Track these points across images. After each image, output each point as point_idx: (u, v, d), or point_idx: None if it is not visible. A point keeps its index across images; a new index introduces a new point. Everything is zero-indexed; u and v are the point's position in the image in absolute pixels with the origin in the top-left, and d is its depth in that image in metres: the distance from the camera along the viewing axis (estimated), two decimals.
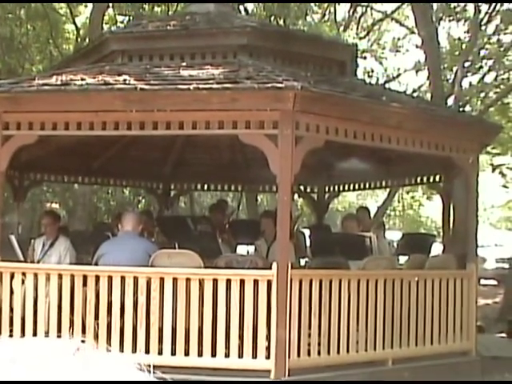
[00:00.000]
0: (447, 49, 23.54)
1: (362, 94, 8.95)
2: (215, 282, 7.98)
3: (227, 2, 12.22)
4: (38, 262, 9.76)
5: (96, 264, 8.61)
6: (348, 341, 8.48)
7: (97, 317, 8.09)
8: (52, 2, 23.56)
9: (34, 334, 8.10)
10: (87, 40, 21.19)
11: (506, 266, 22.84)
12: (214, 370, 7.88)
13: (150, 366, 1.55)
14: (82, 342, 1.49)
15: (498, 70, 23.01)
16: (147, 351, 7.95)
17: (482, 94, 23.63)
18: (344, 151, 11.47)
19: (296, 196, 15.72)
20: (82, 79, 8.48)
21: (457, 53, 22.44)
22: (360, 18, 28.59)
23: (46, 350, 1.44)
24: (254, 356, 7.89)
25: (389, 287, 8.87)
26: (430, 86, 20.30)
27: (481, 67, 23.19)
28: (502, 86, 22.74)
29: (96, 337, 7.91)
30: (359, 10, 28.04)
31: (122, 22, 24.28)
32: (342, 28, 27.73)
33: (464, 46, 22.17)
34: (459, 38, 23.41)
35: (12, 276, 8.33)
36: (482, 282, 21.07)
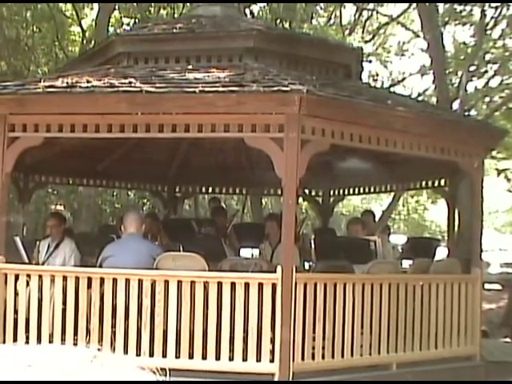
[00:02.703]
0: (452, 53, 23.52)
1: (367, 98, 8.95)
2: (220, 285, 7.98)
3: (233, 2, 12.22)
4: (43, 263, 9.77)
5: (100, 266, 8.61)
6: (352, 345, 8.48)
7: (101, 319, 8.09)
8: (58, 2, 23.58)
9: (39, 336, 8.11)
10: (93, 42, 21.19)
11: (511, 270, 22.89)
12: (218, 373, 7.88)
13: (166, 371, 1.55)
14: (99, 349, 1.49)
15: (503, 75, 22.98)
16: (151, 354, 7.96)
17: (487, 99, 23.60)
18: (349, 155, 11.47)
19: (301, 199, 15.71)
20: (88, 81, 8.48)
21: (462, 57, 22.40)
22: (365, 21, 28.61)
23: (63, 356, 1.44)
24: (259, 359, 7.89)
25: (393, 291, 8.86)
26: (435, 90, 20.32)
27: (486, 71, 23.17)
28: (507, 91, 22.72)
29: (100, 339, 7.93)
30: (365, 13, 28.06)
31: (127, 25, 24.31)
32: (347, 31, 27.76)
33: (469, 50, 22.15)
34: (464, 42, 23.39)
35: (17, 278, 8.34)
36: (487, 286, 21.06)
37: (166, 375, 1.54)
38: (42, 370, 1.39)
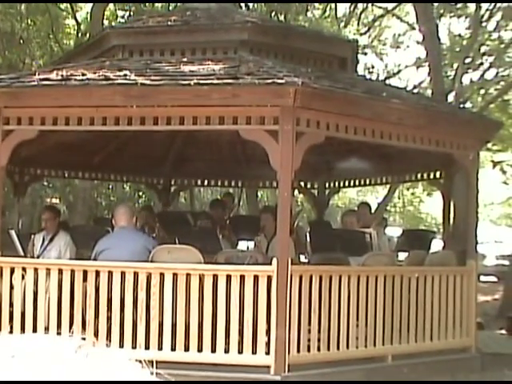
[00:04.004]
0: (448, 45, 23.52)
1: (362, 90, 8.95)
2: (215, 277, 7.98)
3: (227, 2, 12.22)
4: (38, 257, 9.76)
5: (95, 259, 8.61)
6: (348, 337, 8.49)
7: (97, 312, 8.09)
8: (52, 2, 23.54)
9: (34, 329, 8.11)
10: (88, 35, 21.18)
11: (506, 262, 22.88)
12: (213, 365, 7.89)
13: (151, 362, 1.55)
14: (83, 339, 1.48)
15: (498, 67, 23.00)
16: (147, 346, 7.96)
17: (483, 91, 23.61)
18: (344, 147, 11.47)
19: (296, 192, 15.70)
20: (83, 74, 8.47)
21: (457, 49, 22.43)
22: (361, 13, 28.57)
23: (48, 346, 1.43)
24: (254, 351, 7.90)
25: (389, 283, 8.88)
26: (430, 83, 20.31)
27: (481, 64, 23.19)
28: (502, 83, 22.75)
29: (96, 332, 7.93)
30: (360, 6, 28.02)
31: (122, 17, 24.27)
32: (342, 24, 27.73)
33: (465, 43, 22.17)
34: (460, 35, 23.40)
35: (12, 271, 8.34)
36: (482, 278, 21.09)
37: (152, 366, 1.53)
38: (26, 360, 1.38)
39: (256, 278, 7.94)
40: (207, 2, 11.63)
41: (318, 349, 8.29)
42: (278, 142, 7.92)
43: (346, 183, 14.57)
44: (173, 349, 7.96)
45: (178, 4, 21.53)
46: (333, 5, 27.15)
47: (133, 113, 8.16)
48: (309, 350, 8.20)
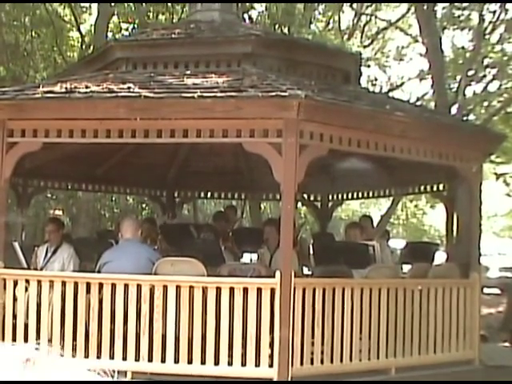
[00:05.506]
0: (451, 57, 23.53)
1: (365, 103, 8.96)
2: (218, 290, 7.98)
3: (233, 2, 12.24)
4: (41, 269, 9.76)
5: (99, 272, 8.62)
6: (351, 349, 8.47)
7: (100, 324, 8.09)
8: (56, 2, 23.60)
9: (37, 341, 8.10)
10: (92, 47, 21.22)
11: (510, 274, 22.87)
12: (216, 377, 7.88)
13: (113, 371, 1.52)
14: (36, 349, 1.45)
15: (501, 79, 22.99)
16: (150, 359, 7.96)
17: (486, 103, 23.61)
18: (348, 159, 11.47)
19: (299, 204, 15.69)
20: (87, 87, 8.50)
21: (460, 61, 22.42)
22: (364, 26, 28.64)
23: None
24: (257, 364, 7.89)
25: (392, 296, 8.86)
26: (433, 95, 20.33)
27: (484, 76, 23.18)
28: (505, 95, 22.73)
29: (99, 344, 7.94)
30: (363, 18, 28.08)
31: (126, 30, 24.32)
32: (346, 36, 27.76)
33: (468, 55, 22.17)
34: (463, 47, 23.41)
35: (15, 283, 8.34)
36: (486, 290, 21.04)
37: (112, 375, 1.51)
38: None
39: (259, 290, 7.94)
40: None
41: (322, 361, 8.28)
42: (282, 154, 7.92)
43: (350, 195, 14.57)
44: (176, 361, 7.96)
45: (182, 16, 21.60)
46: (336, 17, 27.21)
47: (136, 125, 8.17)
48: (312, 363, 8.19)
